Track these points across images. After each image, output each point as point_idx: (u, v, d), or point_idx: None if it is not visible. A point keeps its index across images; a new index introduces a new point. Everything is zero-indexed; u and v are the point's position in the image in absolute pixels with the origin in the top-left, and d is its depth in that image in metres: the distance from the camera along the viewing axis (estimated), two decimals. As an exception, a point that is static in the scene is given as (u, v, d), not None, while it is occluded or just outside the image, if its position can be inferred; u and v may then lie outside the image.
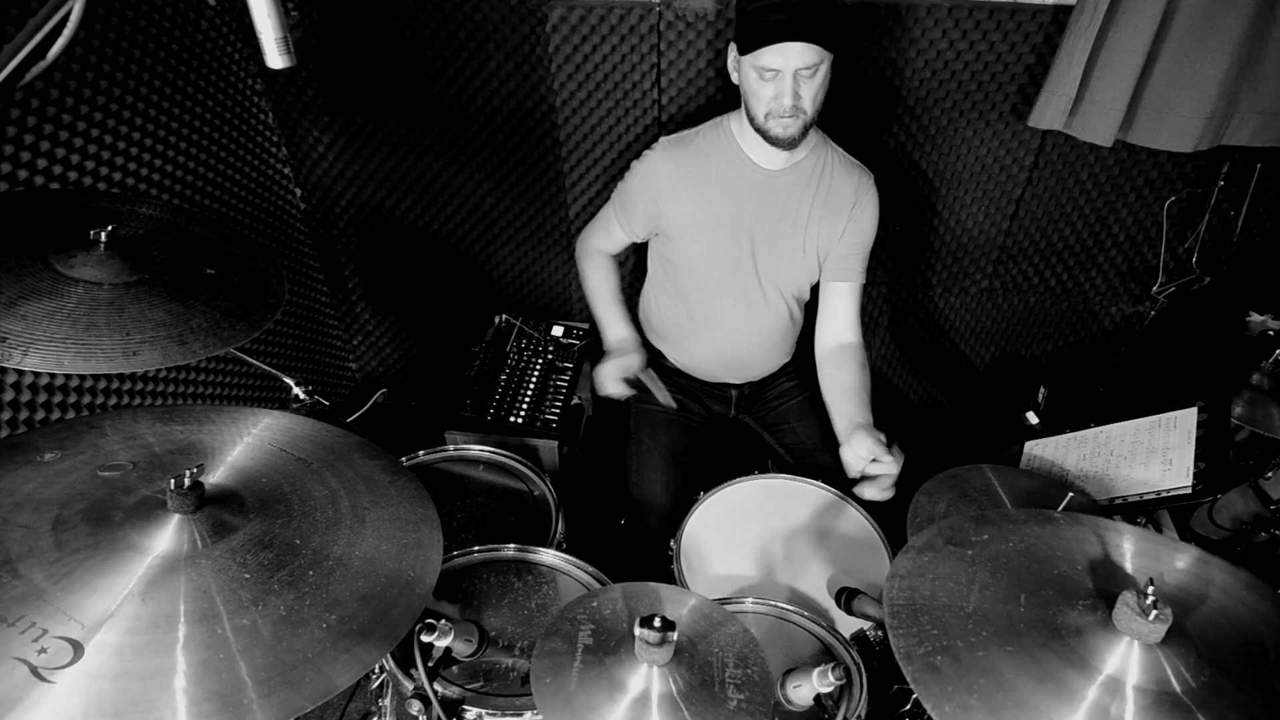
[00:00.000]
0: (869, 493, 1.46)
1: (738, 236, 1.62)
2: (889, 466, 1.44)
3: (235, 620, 0.81)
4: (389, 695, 1.23)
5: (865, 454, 1.46)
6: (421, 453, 1.61)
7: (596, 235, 1.81)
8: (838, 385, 1.66)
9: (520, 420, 1.84)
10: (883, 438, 1.48)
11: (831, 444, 1.73)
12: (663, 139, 1.63)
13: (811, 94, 1.41)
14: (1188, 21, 1.48)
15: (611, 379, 1.69)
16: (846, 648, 1.18)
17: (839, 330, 1.72)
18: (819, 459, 1.74)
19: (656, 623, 0.91)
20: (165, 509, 0.88)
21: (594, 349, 2.15)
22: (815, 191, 1.62)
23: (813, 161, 1.61)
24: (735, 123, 1.58)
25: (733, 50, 1.46)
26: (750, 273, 1.67)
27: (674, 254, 1.68)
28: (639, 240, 1.75)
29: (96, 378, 1.53)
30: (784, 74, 1.38)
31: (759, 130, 1.48)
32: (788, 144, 1.48)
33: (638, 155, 1.65)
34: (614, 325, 1.78)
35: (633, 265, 2.14)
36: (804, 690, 1.03)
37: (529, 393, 1.91)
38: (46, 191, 1.40)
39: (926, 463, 1.55)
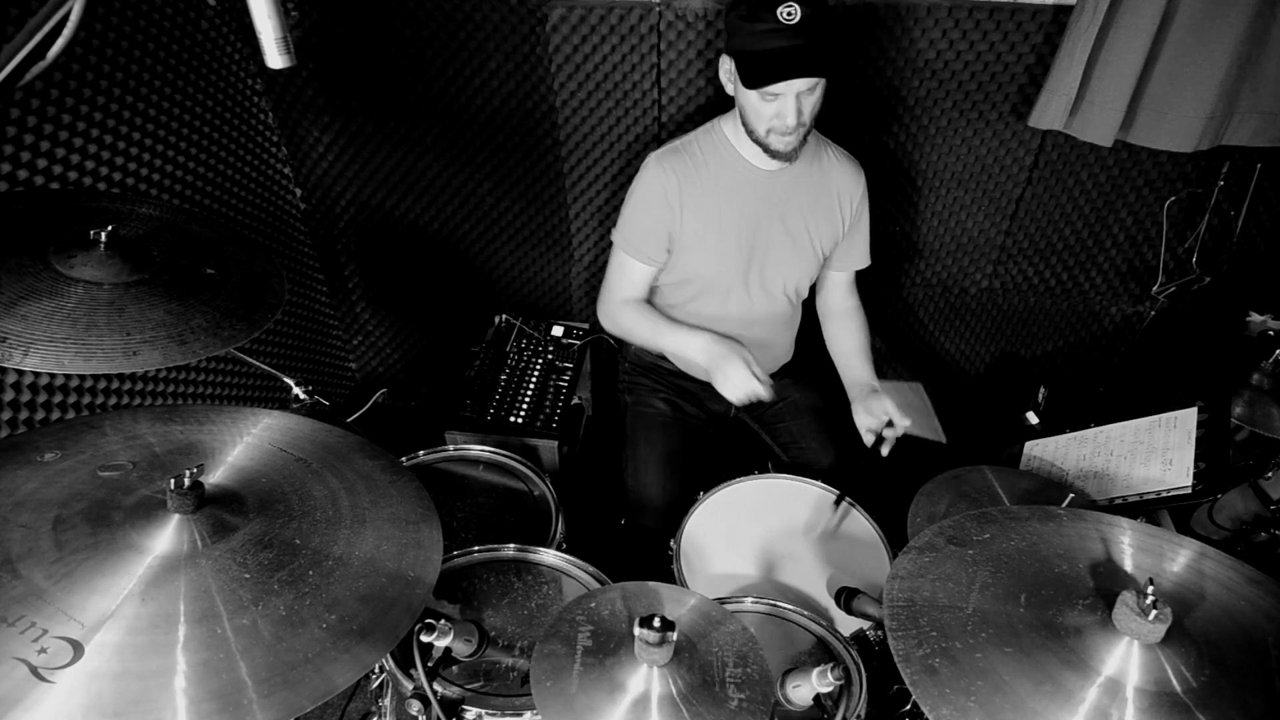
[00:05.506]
0: (882, 448, 1.59)
1: (741, 240, 1.62)
2: (902, 428, 1.55)
3: (235, 620, 0.81)
4: (389, 695, 1.23)
5: (884, 417, 1.57)
6: (421, 453, 1.61)
7: (617, 288, 1.70)
8: (844, 345, 1.77)
9: (520, 420, 1.84)
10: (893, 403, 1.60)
11: (825, 440, 1.76)
12: (651, 155, 1.59)
13: (811, 108, 1.42)
14: (1188, 21, 1.48)
15: (753, 380, 1.50)
16: (846, 647, 1.18)
17: (842, 298, 1.82)
18: (812, 455, 1.75)
19: (656, 623, 0.91)
20: (165, 509, 0.88)
21: (595, 349, 2.15)
22: (814, 189, 1.62)
23: (808, 160, 1.61)
24: (728, 126, 1.57)
25: (727, 63, 1.45)
26: (753, 274, 1.66)
27: (679, 264, 1.66)
28: (660, 266, 1.67)
29: (96, 378, 1.53)
30: (787, 95, 1.38)
31: (759, 143, 1.48)
32: (788, 157, 1.48)
33: (635, 163, 1.62)
34: (689, 337, 1.62)
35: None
36: (804, 690, 1.03)
37: (529, 393, 1.90)
38: (46, 191, 1.40)
39: (926, 463, 1.55)
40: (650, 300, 1.81)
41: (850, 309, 1.81)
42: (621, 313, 1.70)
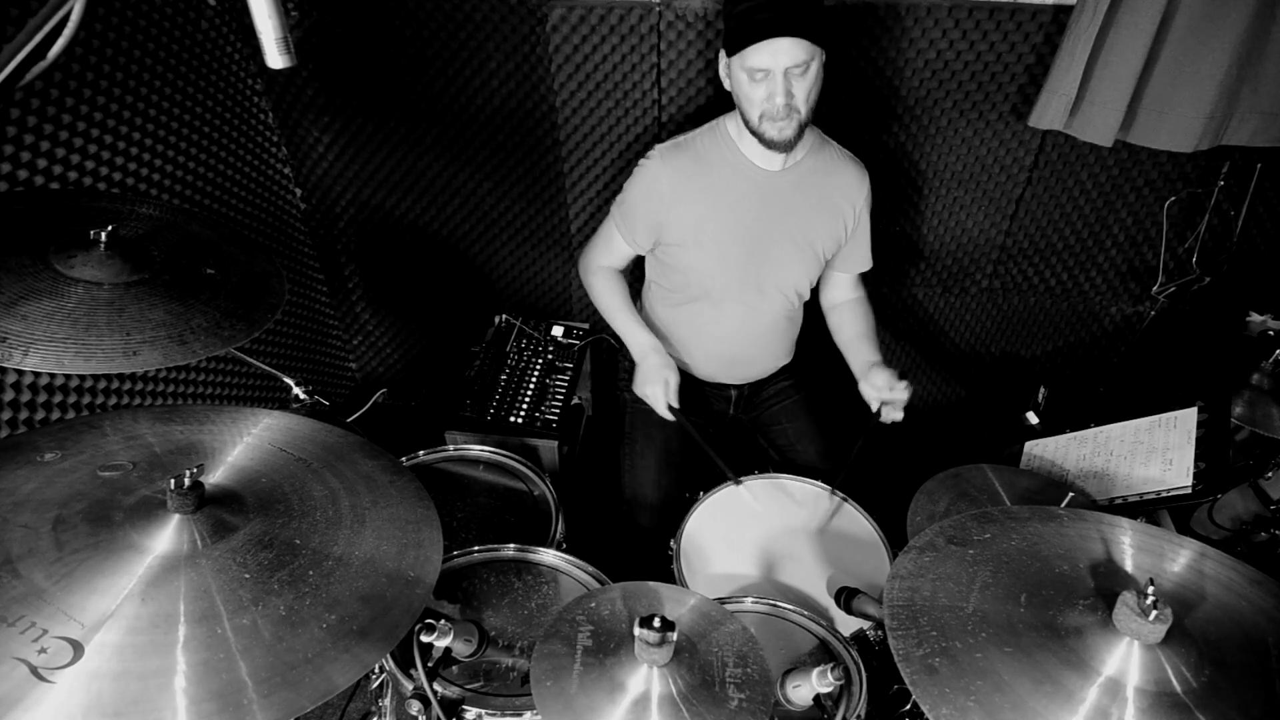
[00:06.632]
0: (886, 414, 1.62)
1: (741, 240, 1.62)
2: (901, 394, 1.59)
3: (235, 620, 0.81)
4: (389, 695, 1.23)
5: (883, 385, 1.61)
6: (421, 453, 1.61)
7: (598, 252, 1.77)
8: (848, 332, 1.79)
9: (520, 420, 1.84)
10: (895, 373, 1.63)
11: (822, 446, 1.77)
12: (658, 146, 1.61)
13: (804, 92, 1.41)
14: (1188, 21, 1.48)
15: (662, 403, 1.64)
16: (846, 647, 1.18)
17: (846, 292, 1.84)
18: (808, 459, 1.75)
19: (656, 623, 0.91)
20: (165, 509, 0.88)
21: (595, 349, 2.16)
22: (817, 191, 1.62)
23: (812, 161, 1.61)
24: (732, 125, 1.57)
25: (723, 55, 1.47)
26: (753, 274, 1.66)
27: (676, 260, 1.67)
28: (643, 251, 1.73)
29: (96, 378, 1.53)
30: (774, 73, 1.38)
31: (755, 134, 1.48)
32: (784, 146, 1.47)
33: (635, 162, 1.63)
34: (636, 333, 1.72)
35: (632, 266, 2.14)
36: (804, 690, 1.03)
37: (529, 393, 1.90)
38: (46, 191, 1.40)
39: (927, 462, 1.55)
40: (648, 295, 1.83)
41: (855, 299, 1.82)
42: (596, 275, 1.78)
